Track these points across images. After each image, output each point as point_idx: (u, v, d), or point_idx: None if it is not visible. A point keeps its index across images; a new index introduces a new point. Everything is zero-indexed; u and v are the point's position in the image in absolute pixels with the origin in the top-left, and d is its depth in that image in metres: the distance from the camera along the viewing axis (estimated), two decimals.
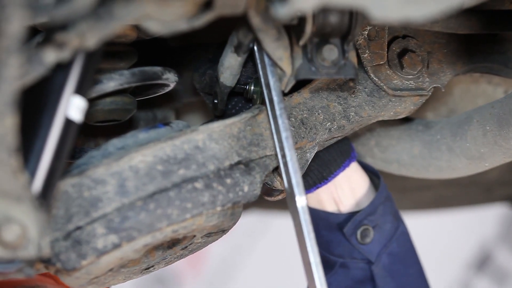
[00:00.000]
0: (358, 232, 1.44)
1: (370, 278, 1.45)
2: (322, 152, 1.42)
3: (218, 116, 1.39)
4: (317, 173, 1.45)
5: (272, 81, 1.20)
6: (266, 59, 1.21)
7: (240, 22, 1.20)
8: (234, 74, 1.30)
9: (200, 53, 1.50)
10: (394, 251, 1.46)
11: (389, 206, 1.47)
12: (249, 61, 1.33)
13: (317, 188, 1.46)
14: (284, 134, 1.18)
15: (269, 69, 1.20)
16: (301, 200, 1.15)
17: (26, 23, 0.88)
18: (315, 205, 1.49)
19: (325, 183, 1.45)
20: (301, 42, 1.15)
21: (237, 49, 1.25)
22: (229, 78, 1.31)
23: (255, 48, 1.23)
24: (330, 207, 1.48)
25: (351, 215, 1.45)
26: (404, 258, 1.48)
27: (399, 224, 1.48)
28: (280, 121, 1.18)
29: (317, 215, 1.48)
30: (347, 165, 1.46)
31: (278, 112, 1.18)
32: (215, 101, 1.36)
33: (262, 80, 1.23)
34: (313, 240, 1.15)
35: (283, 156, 1.19)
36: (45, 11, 0.90)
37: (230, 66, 1.29)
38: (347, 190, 1.47)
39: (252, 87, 1.33)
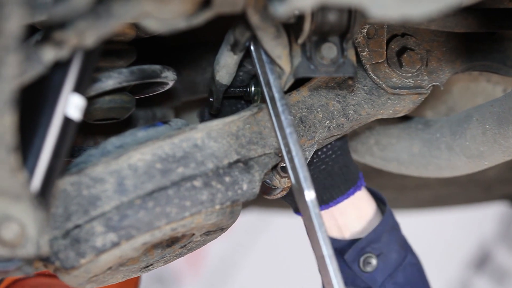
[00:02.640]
0: (361, 260, 1.42)
1: None
2: (324, 176, 1.42)
3: (214, 114, 1.39)
4: (317, 196, 1.44)
5: (272, 79, 1.19)
6: (264, 57, 1.21)
7: (237, 20, 1.20)
8: (230, 73, 1.30)
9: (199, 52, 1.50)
10: (399, 281, 1.44)
11: (395, 235, 1.45)
12: (244, 65, 1.33)
13: None
14: (288, 130, 1.17)
15: (268, 67, 1.20)
16: (310, 194, 1.14)
17: (25, 21, 0.88)
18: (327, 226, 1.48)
19: (326, 207, 1.44)
20: (300, 40, 1.15)
21: (234, 48, 1.25)
22: (225, 76, 1.31)
23: (252, 47, 1.23)
24: (332, 233, 1.47)
25: (353, 241, 1.43)
26: None
27: (407, 254, 1.46)
28: (283, 118, 1.18)
29: None
30: (352, 193, 1.44)
31: (280, 109, 1.18)
32: (210, 99, 1.36)
33: (261, 78, 1.22)
34: (324, 233, 1.14)
35: (289, 152, 1.18)
36: (44, 9, 0.90)
37: (226, 64, 1.29)
38: (354, 217, 1.45)
39: (253, 88, 1.33)
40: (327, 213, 1.45)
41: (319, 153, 1.41)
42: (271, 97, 1.21)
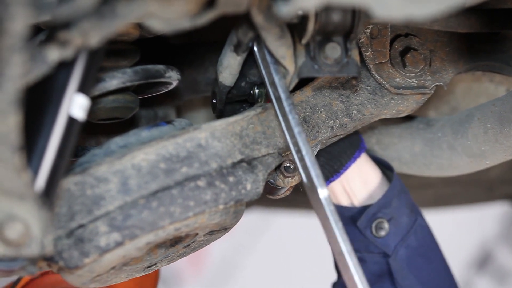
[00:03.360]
0: (373, 225, 1.43)
1: (387, 272, 1.44)
2: (330, 145, 1.41)
3: (217, 116, 1.39)
4: (328, 167, 1.44)
5: (277, 79, 1.19)
6: (268, 58, 1.21)
7: (240, 20, 1.20)
8: (233, 74, 1.30)
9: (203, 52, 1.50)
10: (412, 244, 1.45)
11: (404, 198, 1.46)
12: (247, 76, 1.33)
13: (330, 182, 1.46)
14: (296, 130, 1.17)
15: (272, 67, 1.20)
16: (323, 192, 1.14)
17: (29, 21, 0.88)
18: (338, 195, 1.49)
19: (337, 176, 1.46)
20: (304, 41, 1.15)
21: (237, 48, 1.25)
22: (228, 77, 1.31)
23: (255, 47, 1.23)
24: (343, 201, 1.48)
25: (364, 208, 1.45)
26: (424, 252, 1.47)
27: (417, 217, 1.47)
28: (290, 117, 1.18)
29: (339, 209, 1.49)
30: (358, 156, 1.46)
31: (287, 109, 1.18)
32: (214, 100, 1.36)
33: (266, 79, 1.22)
34: (341, 229, 1.14)
35: (298, 151, 1.17)
36: (48, 9, 0.91)
37: (229, 65, 1.29)
38: (359, 182, 1.47)
39: (256, 90, 1.33)
40: (337, 183, 1.46)
41: None
42: (277, 97, 1.20)
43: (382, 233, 1.43)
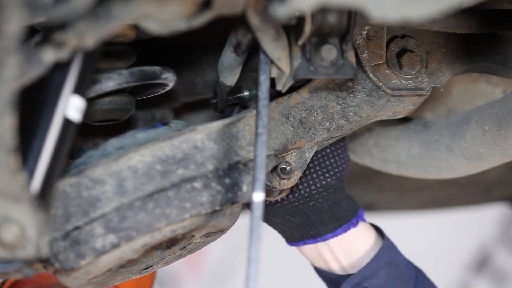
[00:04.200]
0: None
1: None
2: (312, 212, 1.40)
3: (220, 115, 1.39)
4: (304, 230, 1.42)
5: (262, 78, 1.18)
6: (261, 57, 1.20)
7: (239, 22, 1.20)
8: (234, 74, 1.31)
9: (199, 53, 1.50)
10: None
11: (394, 270, 1.42)
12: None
13: (305, 243, 1.44)
14: (259, 130, 1.14)
15: (261, 67, 1.18)
16: (258, 196, 1.11)
17: (25, 22, 0.88)
18: (314, 259, 1.47)
19: (314, 242, 1.43)
20: (300, 42, 1.15)
21: (236, 49, 1.26)
22: (228, 77, 1.31)
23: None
24: (321, 264, 1.46)
25: (347, 276, 1.41)
26: None
27: None
28: (259, 117, 1.15)
29: (319, 271, 1.48)
30: (342, 231, 1.42)
31: (259, 108, 1.15)
32: (213, 100, 1.36)
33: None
34: (257, 236, 1.11)
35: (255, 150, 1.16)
36: (44, 10, 0.90)
37: (229, 66, 1.29)
38: (343, 252, 1.43)
39: (247, 92, 1.34)
40: (319, 247, 1.44)
41: (312, 188, 1.40)
42: (257, 95, 1.19)
43: None
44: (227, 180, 1.19)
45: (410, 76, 1.36)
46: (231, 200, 1.19)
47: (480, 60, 1.43)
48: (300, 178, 1.39)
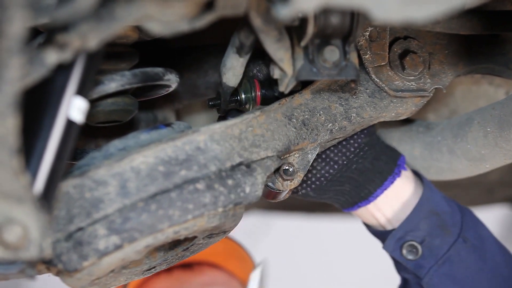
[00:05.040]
0: (403, 248, 1.43)
1: None
2: (357, 175, 1.43)
3: (222, 116, 1.39)
4: (355, 193, 1.45)
5: None
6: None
7: (241, 23, 1.20)
8: (236, 75, 1.31)
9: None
10: (445, 271, 1.42)
11: (437, 220, 1.44)
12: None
13: (359, 207, 1.47)
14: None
15: None
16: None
17: (28, 24, 0.88)
18: (365, 218, 1.51)
19: (367, 203, 1.46)
20: (303, 43, 1.15)
21: (239, 50, 1.26)
22: (231, 78, 1.31)
23: None
24: (376, 223, 1.49)
25: (391, 231, 1.45)
26: (460, 280, 1.43)
27: (457, 238, 1.43)
28: None
29: (372, 231, 1.52)
30: (389, 183, 1.45)
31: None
32: (210, 102, 1.36)
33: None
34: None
35: None
36: (47, 12, 0.90)
37: (232, 67, 1.29)
38: (392, 206, 1.46)
39: (243, 95, 1.34)
40: (370, 208, 1.47)
41: (348, 154, 1.43)
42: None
43: (411, 256, 1.42)
44: (229, 181, 1.19)
45: (412, 77, 1.36)
46: (234, 201, 1.19)
47: (483, 61, 1.43)
48: (332, 150, 1.42)
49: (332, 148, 1.41)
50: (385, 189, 1.45)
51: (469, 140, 1.40)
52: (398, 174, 1.46)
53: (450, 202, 1.48)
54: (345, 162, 1.42)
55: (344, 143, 1.42)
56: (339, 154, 1.42)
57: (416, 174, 1.51)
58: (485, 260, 1.45)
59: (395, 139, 1.57)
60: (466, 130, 1.41)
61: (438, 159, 1.49)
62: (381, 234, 1.48)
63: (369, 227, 1.53)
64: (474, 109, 1.45)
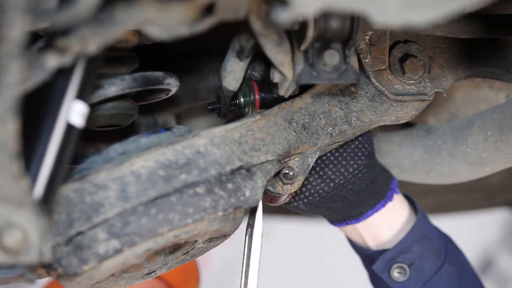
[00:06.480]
0: (392, 270, 1.43)
1: None
2: (352, 195, 1.43)
3: (223, 119, 1.39)
4: (346, 212, 1.46)
5: None
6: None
7: (241, 27, 1.20)
8: (237, 79, 1.31)
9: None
10: None
11: (427, 244, 1.45)
12: None
13: (347, 224, 1.47)
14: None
15: None
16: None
17: (28, 28, 0.88)
18: (352, 235, 1.51)
19: (357, 222, 1.46)
20: (303, 47, 1.15)
21: (239, 54, 1.26)
22: (232, 82, 1.31)
23: None
24: (363, 242, 1.49)
25: (381, 252, 1.45)
26: None
27: (443, 263, 1.45)
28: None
29: (355, 247, 1.52)
30: (381, 206, 1.45)
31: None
32: (209, 106, 1.36)
33: None
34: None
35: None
36: (47, 16, 0.90)
37: (232, 71, 1.29)
38: (382, 228, 1.47)
39: (242, 99, 1.34)
40: (357, 227, 1.47)
41: (346, 174, 1.42)
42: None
43: (402, 278, 1.43)
44: (229, 185, 1.19)
45: (413, 81, 1.36)
46: (234, 205, 1.19)
47: (483, 65, 1.43)
48: (331, 168, 1.42)
49: (331, 166, 1.42)
50: (377, 211, 1.45)
51: (470, 143, 1.40)
52: (391, 198, 1.46)
53: (436, 227, 1.50)
54: (341, 182, 1.42)
55: (344, 163, 1.42)
56: (337, 173, 1.42)
57: (407, 197, 1.51)
58: (464, 283, 1.48)
59: (395, 143, 1.57)
60: (467, 134, 1.41)
61: (438, 163, 1.49)
62: (370, 254, 1.48)
63: (352, 242, 1.53)
64: (475, 113, 1.45)
